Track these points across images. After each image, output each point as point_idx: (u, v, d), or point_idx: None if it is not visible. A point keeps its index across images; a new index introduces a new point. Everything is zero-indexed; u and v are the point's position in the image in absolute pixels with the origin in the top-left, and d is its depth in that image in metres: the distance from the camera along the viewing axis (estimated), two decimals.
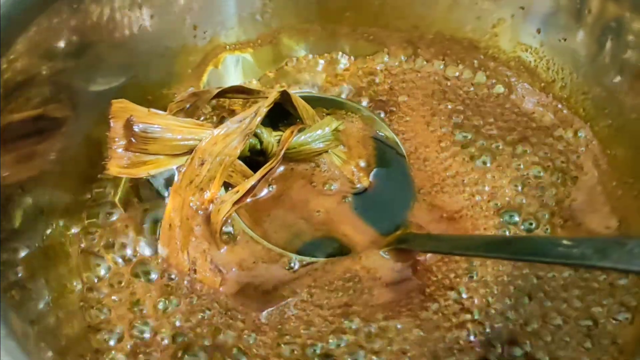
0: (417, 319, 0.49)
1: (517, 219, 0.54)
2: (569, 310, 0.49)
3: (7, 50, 0.42)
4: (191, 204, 0.51)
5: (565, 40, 0.57)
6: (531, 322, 0.49)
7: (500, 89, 0.62)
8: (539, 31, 0.59)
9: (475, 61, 0.63)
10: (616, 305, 0.49)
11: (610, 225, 0.54)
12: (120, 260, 0.52)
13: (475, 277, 0.51)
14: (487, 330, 0.48)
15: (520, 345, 0.48)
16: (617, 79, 0.54)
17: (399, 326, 0.48)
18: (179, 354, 0.47)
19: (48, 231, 0.48)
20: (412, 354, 0.47)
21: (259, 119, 0.52)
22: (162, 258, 0.51)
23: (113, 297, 0.50)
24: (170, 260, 0.50)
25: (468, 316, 0.49)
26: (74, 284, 0.49)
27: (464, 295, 0.50)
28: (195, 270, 0.50)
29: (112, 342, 0.48)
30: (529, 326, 0.49)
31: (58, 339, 0.41)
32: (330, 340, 0.48)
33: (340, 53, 0.65)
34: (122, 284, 0.51)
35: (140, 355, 0.47)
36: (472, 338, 0.48)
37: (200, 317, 0.49)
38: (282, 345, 0.48)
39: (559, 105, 0.59)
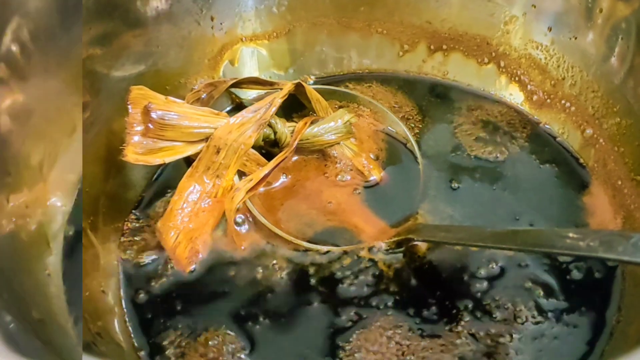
0: None
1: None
2: None
3: None
4: (204, 193, 0.52)
5: (576, 38, 0.58)
6: None
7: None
8: (550, 29, 0.59)
9: (486, 58, 0.64)
10: None
11: (615, 222, 0.54)
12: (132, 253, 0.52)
13: None
14: None
15: None
16: (627, 77, 0.54)
17: None
18: None
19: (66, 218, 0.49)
20: None
21: (273, 109, 0.53)
22: (156, 229, 0.51)
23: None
24: (160, 233, 0.51)
25: None
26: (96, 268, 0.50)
27: None
28: (174, 251, 0.51)
29: None
30: None
31: None
32: None
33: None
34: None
35: None
36: None
37: None
38: None
39: (567, 104, 0.60)
